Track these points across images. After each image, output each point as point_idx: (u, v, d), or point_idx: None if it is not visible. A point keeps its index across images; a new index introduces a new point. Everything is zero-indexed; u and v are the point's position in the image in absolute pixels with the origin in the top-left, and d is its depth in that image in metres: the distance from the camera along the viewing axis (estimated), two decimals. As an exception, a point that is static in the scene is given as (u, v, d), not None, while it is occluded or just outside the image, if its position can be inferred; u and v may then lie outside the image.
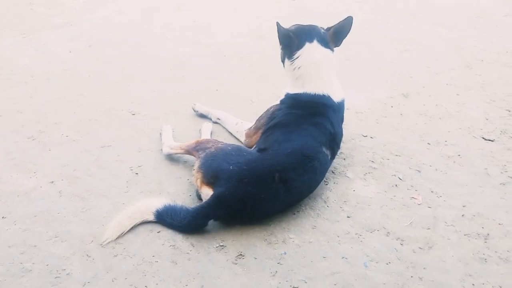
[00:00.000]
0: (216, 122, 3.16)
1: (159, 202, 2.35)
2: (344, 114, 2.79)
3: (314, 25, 2.77)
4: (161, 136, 2.92)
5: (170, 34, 4.64)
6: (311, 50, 2.66)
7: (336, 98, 2.69)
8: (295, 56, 2.67)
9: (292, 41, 2.66)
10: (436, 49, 4.44)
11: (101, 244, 2.22)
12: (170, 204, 2.34)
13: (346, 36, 2.74)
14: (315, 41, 2.67)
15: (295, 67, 2.67)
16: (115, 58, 4.11)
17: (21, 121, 3.12)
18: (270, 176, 2.28)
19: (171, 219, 2.30)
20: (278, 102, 2.77)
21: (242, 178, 2.27)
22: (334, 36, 2.73)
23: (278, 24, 2.63)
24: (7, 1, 5.34)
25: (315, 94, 2.65)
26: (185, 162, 2.75)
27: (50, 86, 3.59)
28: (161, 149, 2.82)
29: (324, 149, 2.49)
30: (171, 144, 2.78)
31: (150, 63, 4.04)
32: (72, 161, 2.77)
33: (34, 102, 3.36)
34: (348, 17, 2.69)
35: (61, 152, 2.84)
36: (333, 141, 2.58)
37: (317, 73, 2.67)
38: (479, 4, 5.58)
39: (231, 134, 3.07)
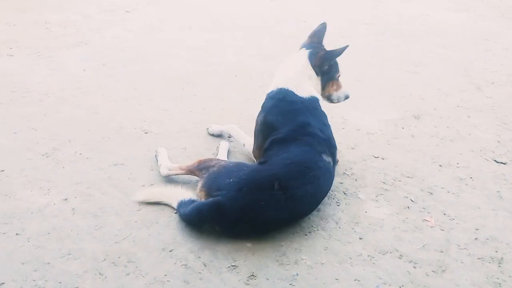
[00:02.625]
0: (229, 138, 3.19)
1: (188, 196, 2.51)
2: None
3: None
4: (156, 158, 2.92)
5: (181, 53, 4.69)
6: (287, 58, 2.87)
7: (302, 94, 2.71)
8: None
9: None
10: (445, 71, 4.47)
11: (133, 200, 2.57)
12: (191, 199, 2.48)
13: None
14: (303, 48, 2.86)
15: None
16: (127, 76, 4.16)
17: (35, 138, 3.16)
18: (269, 183, 2.32)
19: (183, 209, 2.44)
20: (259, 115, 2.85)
21: (241, 188, 2.32)
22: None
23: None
24: (24, 20, 5.43)
25: (279, 89, 2.74)
26: (196, 181, 2.75)
27: (64, 104, 3.63)
28: (159, 171, 2.82)
29: (324, 157, 2.52)
30: (169, 165, 2.80)
31: (161, 81, 4.08)
32: (85, 178, 2.79)
33: (48, 120, 3.40)
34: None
35: (74, 170, 2.87)
36: (330, 145, 2.62)
37: (281, 71, 2.83)
38: (486, 27, 5.61)
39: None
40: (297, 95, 2.69)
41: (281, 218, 2.39)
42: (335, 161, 2.67)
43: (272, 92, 2.77)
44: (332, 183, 2.62)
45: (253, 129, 2.86)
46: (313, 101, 2.72)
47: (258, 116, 2.81)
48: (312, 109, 2.69)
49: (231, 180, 2.37)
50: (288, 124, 2.62)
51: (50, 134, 3.21)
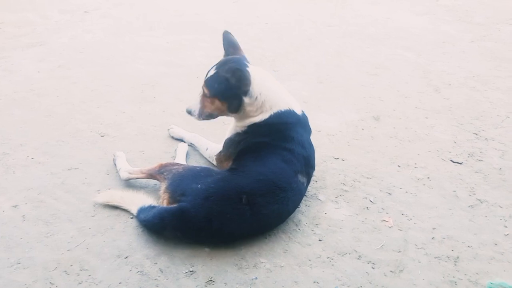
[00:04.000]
0: (191, 145, 3.10)
1: (149, 201, 2.44)
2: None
3: (233, 57, 2.64)
4: (114, 163, 2.84)
5: (141, 55, 4.60)
6: (256, 73, 2.53)
7: (298, 111, 2.65)
8: (250, 88, 2.50)
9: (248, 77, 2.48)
10: (405, 73, 4.54)
11: (93, 202, 2.53)
12: (152, 205, 2.41)
13: None
14: (249, 65, 2.57)
15: (256, 96, 2.51)
16: (84, 78, 4.04)
17: (-16, 142, 3.02)
18: (236, 196, 2.27)
19: (143, 215, 2.36)
20: (238, 131, 2.64)
21: (209, 196, 2.26)
22: None
23: (243, 71, 2.44)
24: (-25, 19, 5.23)
25: (282, 111, 2.56)
26: (154, 185, 2.69)
27: (16, 106, 3.50)
28: (119, 175, 2.74)
29: (299, 177, 2.47)
30: (129, 169, 2.71)
31: (120, 83, 3.99)
32: (37, 184, 2.68)
33: (0, 123, 3.25)
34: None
35: (25, 175, 2.75)
36: (308, 165, 2.56)
37: (275, 90, 2.60)
38: (445, 31, 5.75)
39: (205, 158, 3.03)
40: (296, 113, 2.62)
41: (244, 231, 2.35)
42: (309, 181, 2.63)
43: (275, 115, 2.55)
44: (300, 202, 2.58)
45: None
46: (305, 116, 2.69)
47: (242, 139, 2.62)
48: (304, 123, 2.65)
49: (198, 186, 2.31)
50: (271, 135, 2.52)
51: (0, 138, 3.09)
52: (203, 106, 2.61)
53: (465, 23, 6.02)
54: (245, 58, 2.66)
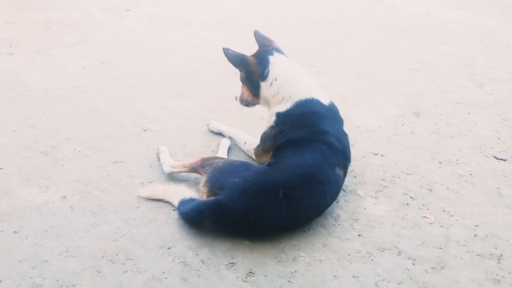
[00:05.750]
0: (231, 139, 3.15)
1: (189, 194, 2.50)
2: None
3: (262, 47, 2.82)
4: (158, 156, 2.91)
5: (181, 51, 4.69)
6: (278, 60, 2.68)
7: (325, 101, 2.66)
8: (266, 73, 2.65)
9: (246, 60, 2.68)
10: (446, 68, 4.45)
11: (136, 196, 2.59)
12: (192, 198, 2.47)
13: None
14: (275, 53, 2.71)
15: (272, 81, 2.65)
16: (127, 74, 4.16)
17: (34, 136, 3.16)
18: (274, 189, 2.28)
19: (183, 207, 2.42)
20: (271, 124, 2.71)
21: (245, 190, 2.28)
22: None
23: (225, 50, 2.66)
24: (23, 18, 5.45)
25: (305, 99, 2.60)
26: (196, 178, 2.75)
27: (63, 102, 3.63)
28: (162, 169, 2.81)
29: (337, 171, 2.47)
30: (172, 163, 2.78)
31: (161, 79, 4.08)
32: (84, 176, 2.79)
33: (48, 118, 3.40)
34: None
35: (73, 167, 2.87)
36: (344, 157, 2.56)
37: (296, 78, 2.67)
38: (487, 24, 5.59)
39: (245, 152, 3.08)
40: (323, 103, 2.64)
41: (281, 224, 2.36)
42: (346, 174, 2.62)
43: (298, 103, 2.62)
44: (337, 195, 2.58)
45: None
46: (334, 106, 2.71)
47: (277, 132, 2.66)
48: (333, 114, 2.66)
49: (236, 179, 2.34)
50: (306, 128, 2.55)
51: (49, 132, 3.21)
52: (242, 93, 2.90)
53: (509, 17, 5.84)
54: (276, 49, 2.77)
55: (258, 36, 2.87)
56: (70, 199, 2.60)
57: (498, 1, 6.44)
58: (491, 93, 3.95)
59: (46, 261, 2.20)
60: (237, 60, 2.69)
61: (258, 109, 3.01)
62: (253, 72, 2.69)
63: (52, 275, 2.13)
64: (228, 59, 2.68)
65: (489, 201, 2.69)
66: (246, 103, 2.92)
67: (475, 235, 2.43)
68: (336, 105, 2.74)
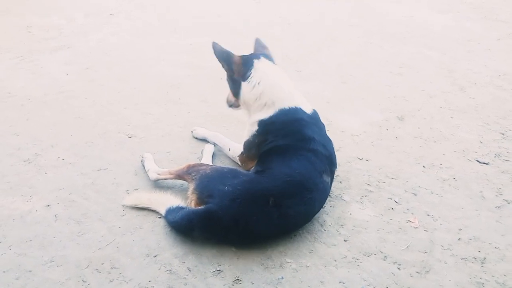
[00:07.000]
0: (215, 145, 3.14)
1: (176, 202, 2.48)
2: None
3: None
4: (143, 164, 2.89)
5: (164, 56, 4.67)
6: (263, 65, 2.69)
7: (308, 110, 2.67)
8: (248, 74, 2.67)
9: (232, 57, 2.70)
10: (429, 72, 4.51)
11: (121, 205, 2.56)
12: (180, 206, 2.46)
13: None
14: (262, 58, 2.73)
15: (254, 84, 2.65)
16: (112, 80, 4.12)
17: (17, 144, 3.11)
18: (264, 198, 2.28)
19: (171, 216, 2.41)
20: (254, 133, 2.70)
21: (235, 198, 2.28)
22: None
23: (214, 44, 2.72)
24: (5, 23, 5.37)
25: (289, 108, 2.61)
26: (181, 185, 2.74)
27: (46, 108, 3.59)
28: (148, 176, 2.79)
29: (325, 177, 2.48)
30: (158, 170, 2.76)
31: (146, 85, 4.06)
32: (68, 184, 2.76)
33: (31, 125, 3.36)
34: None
35: (57, 175, 2.83)
36: (331, 163, 2.58)
37: (280, 85, 2.67)
38: (469, 29, 5.68)
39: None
40: (306, 112, 2.65)
41: (271, 232, 2.37)
42: (333, 179, 2.64)
43: (281, 111, 2.63)
44: (325, 202, 2.60)
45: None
46: (316, 114, 2.73)
47: (261, 140, 2.66)
48: (316, 121, 2.68)
49: (225, 188, 2.33)
50: (291, 136, 2.55)
51: (32, 140, 3.17)
52: (228, 94, 2.93)
53: (491, 21, 5.93)
54: (265, 54, 2.79)
55: (257, 44, 2.92)
56: (54, 208, 2.57)
57: (480, 5, 6.55)
58: (473, 97, 4.01)
59: (30, 271, 2.17)
60: (223, 56, 2.71)
61: (243, 114, 3.01)
62: (235, 71, 2.71)
63: (36, 285, 2.10)
64: (215, 53, 2.71)
65: (472, 204, 2.73)
66: (230, 104, 2.96)
67: (459, 239, 2.47)
68: (319, 111, 2.76)
